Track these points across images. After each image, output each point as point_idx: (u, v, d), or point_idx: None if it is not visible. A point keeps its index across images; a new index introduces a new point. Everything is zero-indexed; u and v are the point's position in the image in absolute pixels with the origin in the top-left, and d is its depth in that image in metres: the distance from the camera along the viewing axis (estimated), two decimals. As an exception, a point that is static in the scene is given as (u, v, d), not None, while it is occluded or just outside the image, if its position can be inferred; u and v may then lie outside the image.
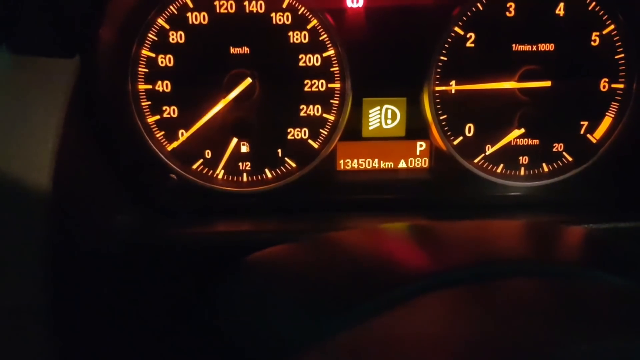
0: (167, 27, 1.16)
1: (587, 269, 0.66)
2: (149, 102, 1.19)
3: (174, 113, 1.20)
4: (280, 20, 1.17)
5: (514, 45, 1.20)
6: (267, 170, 1.24)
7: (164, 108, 1.19)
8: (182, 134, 1.21)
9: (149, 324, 1.11)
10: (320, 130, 1.23)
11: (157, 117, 1.19)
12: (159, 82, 1.18)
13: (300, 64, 1.19)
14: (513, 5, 1.18)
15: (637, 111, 1.23)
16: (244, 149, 1.22)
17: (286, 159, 1.24)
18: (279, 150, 1.23)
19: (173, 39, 1.16)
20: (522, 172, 1.27)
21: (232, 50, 1.17)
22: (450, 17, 1.18)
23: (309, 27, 1.17)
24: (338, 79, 1.20)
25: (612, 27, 1.19)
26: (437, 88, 1.21)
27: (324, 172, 1.25)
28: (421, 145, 1.26)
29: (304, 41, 1.18)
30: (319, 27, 1.18)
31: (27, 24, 0.99)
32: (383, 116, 1.23)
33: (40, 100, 0.97)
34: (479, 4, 1.18)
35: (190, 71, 1.18)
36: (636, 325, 0.55)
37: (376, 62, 1.21)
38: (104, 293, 1.06)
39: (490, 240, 0.78)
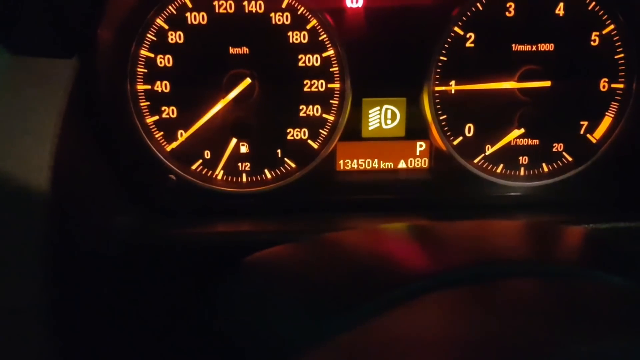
0: (166, 27, 1.15)
1: (587, 269, 0.66)
2: (148, 103, 1.18)
3: (173, 113, 1.19)
4: (279, 20, 1.17)
5: (513, 45, 1.20)
6: (266, 171, 1.24)
7: (163, 108, 1.19)
8: (181, 135, 1.20)
9: (148, 325, 1.11)
10: (320, 130, 1.23)
11: (156, 117, 1.19)
12: (158, 83, 1.18)
13: (300, 64, 1.19)
14: (513, 5, 1.18)
15: (636, 111, 1.23)
16: (244, 149, 1.22)
17: (286, 159, 1.23)
18: (279, 151, 1.23)
19: (172, 39, 1.16)
20: (522, 172, 1.27)
21: (231, 50, 1.17)
22: (450, 17, 1.18)
23: (308, 27, 1.17)
24: (337, 79, 1.20)
25: (612, 27, 1.19)
26: (437, 88, 1.21)
27: (324, 172, 1.25)
28: (421, 146, 1.26)
29: (303, 41, 1.18)
30: (319, 27, 1.17)
31: (26, 24, 0.98)
32: (383, 116, 1.23)
33: (39, 100, 0.97)
34: (478, 4, 1.18)
35: (189, 71, 1.18)
36: (636, 325, 0.55)
37: (376, 62, 1.20)
38: (103, 293, 1.06)
39: (490, 241, 0.78)
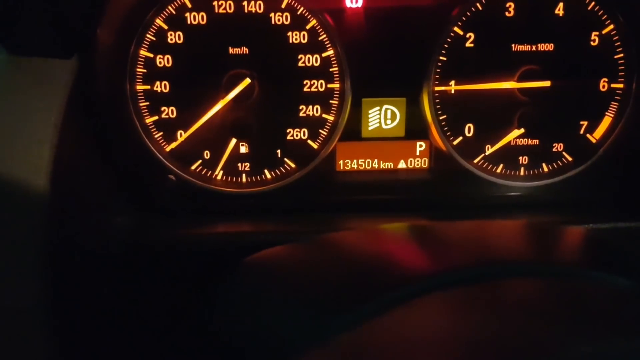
0: (166, 27, 1.15)
1: (587, 270, 0.66)
2: (147, 103, 1.18)
3: (172, 114, 1.19)
4: (279, 20, 1.17)
5: (513, 45, 1.20)
6: (266, 171, 1.24)
7: (163, 109, 1.19)
8: (181, 135, 1.20)
9: (148, 325, 1.11)
10: (320, 130, 1.23)
11: (156, 117, 1.19)
12: (158, 83, 1.17)
13: (300, 64, 1.19)
14: (512, 5, 1.18)
15: (636, 111, 1.23)
16: (243, 149, 1.22)
17: (285, 159, 1.23)
18: (278, 151, 1.23)
19: (171, 39, 1.16)
20: (521, 172, 1.27)
21: (230, 50, 1.17)
22: (450, 17, 1.18)
23: (308, 27, 1.17)
24: (337, 79, 1.20)
25: (612, 27, 1.19)
26: (437, 88, 1.21)
27: (324, 172, 1.25)
28: (421, 146, 1.25)
29: (303, 41, 1.18)
30: (318, 27, 1.17)
31: (26, 24, 0.98)
32: (382, 116, 1.23)
33: (39, 100, 0.97)
34: (478, 4, 1.18)
35: (188, 72, 1.17)
36: (637, 325, 0.55)
37: (375, 62, 1.20)
38: (103, 293, 1.06)
39: (490, 241, 0.78)
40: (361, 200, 1.26)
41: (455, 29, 1.19)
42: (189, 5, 1.15)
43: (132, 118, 1.18)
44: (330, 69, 1.19)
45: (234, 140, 1.21)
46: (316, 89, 1.20)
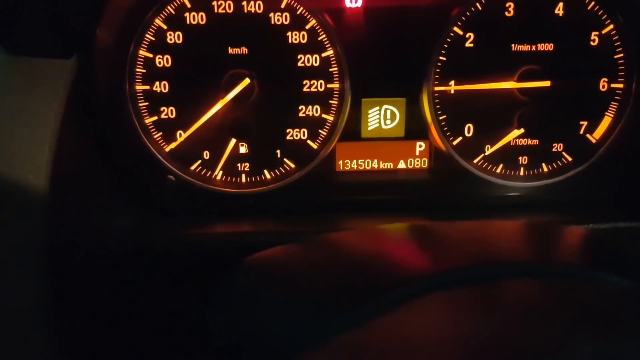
0: (165, 27, 1.15)
1: (587, 270, 0.66)
2: (147, 103, 1.18)
3: (171, 114, 1.19)
4: (278, 20, 1.16)
5: (513, 45, 1.20)
6: (266, 171, 1.24)
7: (162, 109, 1.19)
8: (180, 135, 1.20)
9: (148, 325, 1.11)
10: (319, 130, 1.22)
11: (155, 118, 1.19)
12: (157, 83, 1.17)
13: (299, 64, 1.19)
14: (512, 5, 1.18)
15: (636, 111, 1.23)
16: (243, 149, 1.22)
17: (285, 159, 1.23)
18: (278, 151, 1.23)
19: (171, 40, 1.16)
20: (521, 172, 1.27)
21: (230, 50, 1.17)
22: (449, 17, 1.18)
23: (307, 27, 1.17)
24: (337, 79, 1.20)
25: (611, 26, 1.19)
26: (437, 88, 1.21)
27: (323, 172, 1.25)
28: (420, 146, 1.25)
29: (302, 41, 1.18)
30: (318, 27, 1.17)
31: (25, 24, 0.98)
32: (382, 116, 1.23)
33: (38, 100, 0.97)
34: (478, 4, 1.18)
35: (188, 72, 1.17)
36: (637, 326, 0.54)
37: (375, 63, 1.20)
38: (103, 294, 1.06)
39: (490, 241, 0.78)
40: (361, 200, 1.26)
41: (455, 29, 1.19)
42: (189, 5, 1.15)
43: (131, 118, 1.18)
44: (330, 69, 1.19)
45: (233, 141, 1.21)
46: (316, 89, 1.20)
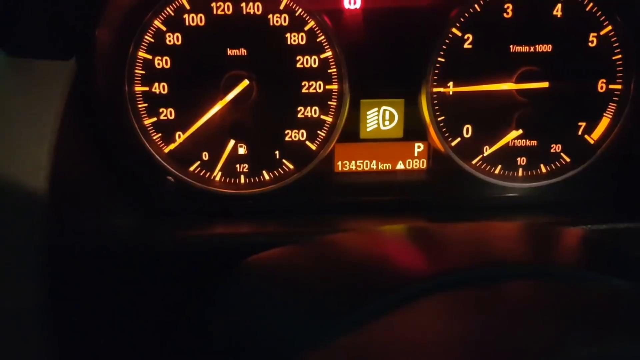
0: (164, 28, 1.15)
1: (586, 271, 0.66)
2: (146, 104, 1.18)
3: (170, 115, 1.19)
4: (277, 21, 1.17)
5: (511, 46, 1.20)
6: (264, 172, 1.24)
7: (161, 110, 1.19)
8: (179, 136, 1.20)
9: (147, 326, 1.11)
10: (318, 131, 1.23)
11: (154, 119, 1.19)
12: (156, 84, 1.17)
13: (298, 65, 1.19)
14: (510, 6, 1.18)
15: (634, 112, 1.23)
16: (242, 150, 1.22)
17: (284, 160, 1.23)
18: (277, 152, 1.23)
19: (170, 41, 1.16)
20: (520, 173, 1.27)
21: (229, 52, 1.17)
22: (448, 18, 1.18)
23: (306, 28, 1.17)
24: (336, 80, 1.20)
25: (610, 28, 1.19)
26: (435, 89, 1.21)
27: (322, 173, 1.25)
28: (419, 147, 1.26)
29: (301, 43, 1.18)
30: (317, 28, 1.17)
31: (24, 26, 0.98)
32: (381, 117, 1.23)
33: (38, 102, 0.97)
34: (476, 6, 1.18)
35: (187, 73, 1.17)
36: (636, 327, 0.55)
37: (374, 64, 1.20)
38: (102, 294, 1.06)
39: (489, 242, 0.78)
40: (359, 201, 1.26)
41: (454, 30, 1.19)
42: (188, 7, 1.15)
43: (130, 119, 1.18)
44: (329, 70, 1.19)
45: (232, 142, 1.21)
46: (314, 90, 1.20)
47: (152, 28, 1.15)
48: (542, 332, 0.52)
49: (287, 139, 1.22)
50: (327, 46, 1.18)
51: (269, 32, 1.17)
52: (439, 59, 1.20)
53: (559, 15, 1.18)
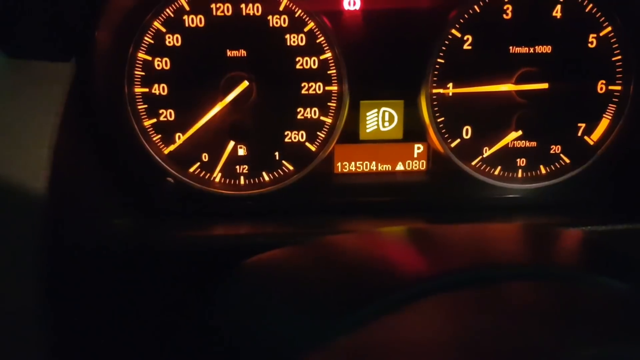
0: (164, 30, 1.15)
1: (586, 272, 0.66)
2: (146, 106, 1.18)
3: (170, 116, 1.19)
4: (277, 23, 1.17)
5: (511, 47, 1.20)
6: (264, 173, 1.24)
7: (161, 111, 1.19)
8: (179, 137, 1.20)
9: (147, 327, 1.11)
10: (318, 133, 1.23)
11: (154, 120, 1.19)
12: (156, 85, 1.17)
13: (297, 66, 1.19)
14: (510, 7, 1.18)
15: (634, 113, 1.23)
16: (241, 152, 1.22)
17: (283, 161, 1.23)
18: (276, 153, 1.23)
19: (169, 42, 1.16)
20: (519, 174, 1.27)
21: (228, 53, 1.17)
22: (447, 19, 1.18)
23: (305, 29, 1.17)
24: (335, 81, 1.20)
25: (609, 29, 1.19)
26: (435, 90, 1.21)
27: (322, 174, 1.25)
28: (419, 148, 1.26)
29: (301, 44, 1.18)
30: (316, 29, 1.17)
31: (24, 26, 0.98)
32: (380, 119, 1.23)
33: (37, 103, 0.97)
34: (476, 7, 1.18)
35: (186, 74, 1.17)
36: (636, 328, 0.55)
37: (373, 65, 1.20)
38: (102, 295, 1.06)
39: (489, 244, 0.78)
40: (359, 202, 1.26)
41: (453, 31, 1.19)
42: (187, 8, 1.15)
43: (130, 121, 1.18)
44: (328, 72, 1.19)
45: (232, 143, 1.21)
46: (314, 92, 1.20)
47: (151, 29, 1.15)
48: (540, 334, 0.52)
49: (286, 140, 1.22)
50: (327, 47, 1.18)
51: (269, 33, 1.17)
52: (439, 60, 1.20)
53: (558, 16, 1.18)
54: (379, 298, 0.59)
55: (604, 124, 1.24)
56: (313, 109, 1.21)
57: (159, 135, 1.20)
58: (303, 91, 1.20)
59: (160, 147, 1.21)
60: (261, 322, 0.68)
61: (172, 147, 1.21)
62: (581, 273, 0.66)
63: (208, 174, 1.23)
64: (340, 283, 0.68)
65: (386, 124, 1.24)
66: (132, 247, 1.09)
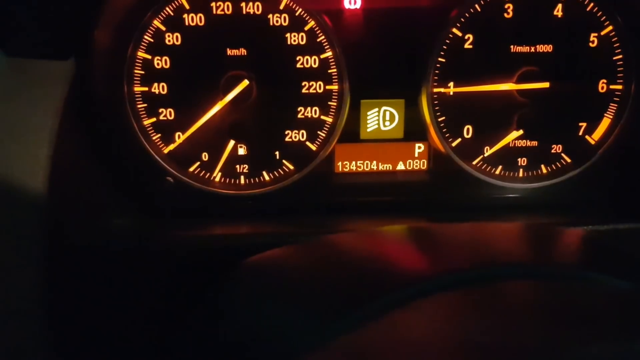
0: (164, 28, 1.15)
1: (586, 272, 0.66)
2: (145, 105, 1.18)
3: (170, 115, 1.19)
4: (277, 21, 1.16)
5: (512, 46, 1.19)
6: (264, 173, 1.24)
7: (160, 110, 1.19)
8: (179, 137, 1.20)
9: (146, 326, 1.11)
10: (318, 132, 1.22)
11: (154, 119, 1.19)
12: (155, 84, 1.17)
13: (298, 65, 1.18)
14: (511, 6, 1.18)
15: (635, 112, 1.23)
16: (242, 151, 1.22)
17: (284, 161, 1.23)
18: (277, 153, 1.23)
19: (169, 41, 1.16)
20: (520, 174, 1.27)
21: (229, 52, 1.17)
22: (448, 18, 1.18)
23: (306, 28, 1.17)
24: (336, 80, 1.20)
25: (610, 28, 1.19)
26: (435, 90, 1.21)
27: (322, 174, 1.24)
28: (419, 147, 1.25)
29: (301, 43, 1.17)
30: (317, 28, 1.17)
31: (23, 26, 0.98)
32: (381, 118, 1.23)
33: (36, 103, 0.96)
34: (477, 6, 1.18)
35: (186, 73, 1.17)
36: (636, 327, 0.54)
37: (374, 64, 1.20)
38: (101, 296, 1.06)
39: (489, 243, 0.78)
40: (360, 201, 1.26)
41: (454, 30, 1.18)
42: (187, 7, 1.14)
43: (129, 120, 1.18)
44: (329, 71, 1.19)
45: (232, 142, 1.21)
46: (315, 91, 1.20)
47: (151, 28, 1.15)
48: (541, 333, 0.52)
49: (287, 139, 1.22)
50: (327, 46, 1.18)
51: (269, 32, 1.17)
52: (440, 59, 1.20)
53: (559, 16, 1.18)
54: (380, 297, 0.59)
55: (605, 123, 1.24)
56: (313, 108, 1.21)
57: (159, 135, 1.20)
58: (303, 90, 1.20)
59: (160, 146, 1.20)
60: (261, 321, 0.68)
61: (171, 147, 1.21)
62: (582, 272, 0.66)
63: (208, 174, 1.23)
64: (340, 282, 0.68)
65: (387, 123, 1.23)
66: (131, 247, 1.09)
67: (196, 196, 1.22)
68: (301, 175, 1.23)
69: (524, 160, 1.26)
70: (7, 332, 0.92)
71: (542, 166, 1.26)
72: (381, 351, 0.53)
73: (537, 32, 1.19)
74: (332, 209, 1.24)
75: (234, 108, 1.19)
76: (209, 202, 1.23)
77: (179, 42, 1.16)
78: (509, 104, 1.22)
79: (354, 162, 1.25)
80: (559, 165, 1.26)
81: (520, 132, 1.23)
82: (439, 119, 1.23)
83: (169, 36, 1.15)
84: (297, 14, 1.16)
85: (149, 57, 1.16)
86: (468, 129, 1.24)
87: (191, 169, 1.22)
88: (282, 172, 1.24)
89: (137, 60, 1.16)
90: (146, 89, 1.17)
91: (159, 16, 1.15)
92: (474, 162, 1.25)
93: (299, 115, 1.21)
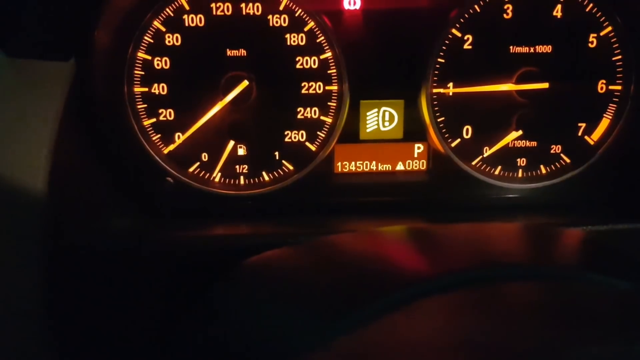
0: (164, 29, 1.15)
1: (585, 272, 0.66)
2: (145, 105, 1.18)
3: (170, 116, 1.19)
4: (277, 22, 1.16)
5: (511, 47, 1.20)
6: (264, 173, 1.24)
7: (160, 111, 1.19)
8: (179, 137, 1.20)
9: (145, 327, 1.11)
10: (318, 132, 1.22)
11: (153, 119, 1.19)
12: (155, 85, 1.17)
13: (298, 66, 1.19)
14: (510, 7, 1.18)
15: (634, 113, 1.23)
16: (241, 151, 1.22)
17: (283, 161, 1.23)
18: (276, 153, 1.23)
19: (169, 42, 1.16)
20: (519, 174, 1.27)
21: (228, 52, 1.17)
22: (448, 19, 1.18)
23: (306, 29, 1.17)
24: (335, 81, 1.20)
25: (610, 28, 1.19)
26: (435, 90, 1.21)
27: (322, 174, 1.25)
28: (419, 148, 1.25)
29: (301, 43, 1.18)
30: (316, 29, 1.17)
31: (23, 27, 0.98)
32: (381, 118, 1.23)
33: (36, 103, 0.96)
34: (476, 6, 1.18)
35: (186, 74, 1.17)
36: (636, 328, 0.54)
37: (374, 65, 1.20)
38: (100, 296, 1.06)
39: (489, 243, 0.78)
40: (359, 202, 1.26)
41: (454, 31, 1.19)
42: (187, 8, 1.15)
43: (129, 120, 1.18)
44: (329, 71, 1.19)
45: (231, 143, 1.21)
46: (314, 91, 1.20)
47: (151, 29, 1.15)
48: (540, 334, 0.52)
49: (286, 139, 1.22)
50: (327, 47, 1.18)
51: (269, 32, 1.17)
52: (439, 59, 1.20)
53: (558, 16, 1.18)
54: (379, 298, 0.59)
55: (604, 123, 1.24)
56: (313, 109, 1.21)
57: (159, 135, 1.20)
58: (303, 91, 1.20)
59: (160, 146, 1.21)
60: (261, 322, 0.68)
61: (171, 147, 1.21)
62: (581, 272, 0.66)
63: (208, 174, 1.23)
64: (339, 283, 0.68)
65: (386, 123, 1.24)
66: (131, 247, 1.09)
67: (196, 196, 1.22)
68: (301, 175, 1.23)
69: (523, 161, 1.26)
70: (7, 332, 0.92)
71: (542, 166, 1.27)
72: (381, 351, 0.53)
73: (536, 32, 1.19)
74: (331, 209, 1.24)
75: (233, 108, 1.19)
76: (209, 203, 1.23)
77: (179, 43, 1.16)
78: (508, 104, 1.22)
79: (353, 163, 1.25)
80: (559, 166, 1.27)
81: (520, 132, 1.23)
82: (439, 120, 1.23)
83: (169, 37, 1.15)
84: (296, 14, 1.16)
85: (149, 57, 1.16)
86: (467, 130, 1.24)
87: (191, 170, 1.22)
88: (281, 173, 1.24)
89: (137, 61, 1.16)
90: (146, 89, 1.17)
91: (159, 17, 1.15)
92: (474, 163, 1.26)
93: (299, 116, 1.21)
